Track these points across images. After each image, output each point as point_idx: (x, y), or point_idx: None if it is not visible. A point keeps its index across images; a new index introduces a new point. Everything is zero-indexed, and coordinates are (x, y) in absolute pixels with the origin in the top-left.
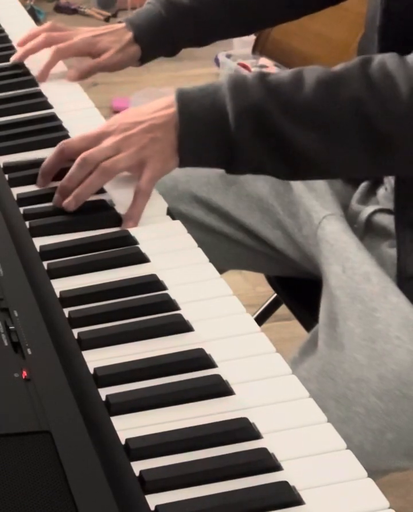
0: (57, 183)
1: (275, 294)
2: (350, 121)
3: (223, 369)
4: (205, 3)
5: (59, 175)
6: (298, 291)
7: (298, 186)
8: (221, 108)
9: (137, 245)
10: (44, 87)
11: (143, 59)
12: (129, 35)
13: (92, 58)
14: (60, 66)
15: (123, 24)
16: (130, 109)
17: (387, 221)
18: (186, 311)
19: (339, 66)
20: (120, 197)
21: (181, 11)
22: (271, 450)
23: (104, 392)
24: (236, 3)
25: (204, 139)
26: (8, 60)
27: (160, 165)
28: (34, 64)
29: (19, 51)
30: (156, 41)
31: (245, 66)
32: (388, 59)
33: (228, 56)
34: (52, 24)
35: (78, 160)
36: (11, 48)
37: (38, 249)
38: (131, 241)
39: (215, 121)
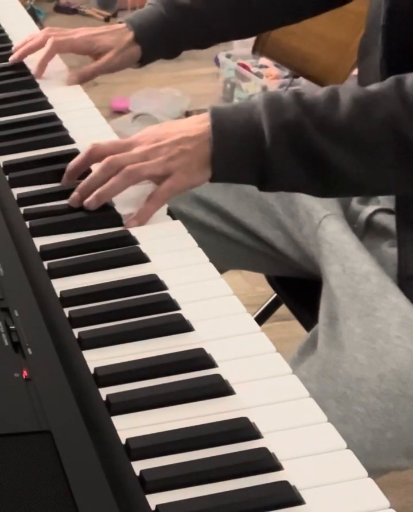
0: (57, 184)
1: (275, 294)
2: (385, 140)
3: (223, 369)
4: (207, 4)
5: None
6: (298, 291)
7: None
8: (256, 125)
9: (137, 245)
10: (44, 87)
11: (143, 60)
12: (130, 35)
13: (90, 57)
14: (60, 66)
15: (123, 25)
16: (166, 122)
17: (387, 220)
18: (186, 311)
19: (373, 85)
20: (120, 197)
21: (183, 12)
22: (271, 450)
23: (104, 392)
24: (237, 5)
25: (238, 154)
26: (8, 60)
27: (186, 178)
28: (34, 64)
29: (18, 50)
30: (158, 42)
31: (245, 66)
32: None
33: (228, 56)
34: (49, 28)
35: (103, 162)
36: (11, 48)
37: (38, 249)
38: (131, 241)
39: (250, 137)
